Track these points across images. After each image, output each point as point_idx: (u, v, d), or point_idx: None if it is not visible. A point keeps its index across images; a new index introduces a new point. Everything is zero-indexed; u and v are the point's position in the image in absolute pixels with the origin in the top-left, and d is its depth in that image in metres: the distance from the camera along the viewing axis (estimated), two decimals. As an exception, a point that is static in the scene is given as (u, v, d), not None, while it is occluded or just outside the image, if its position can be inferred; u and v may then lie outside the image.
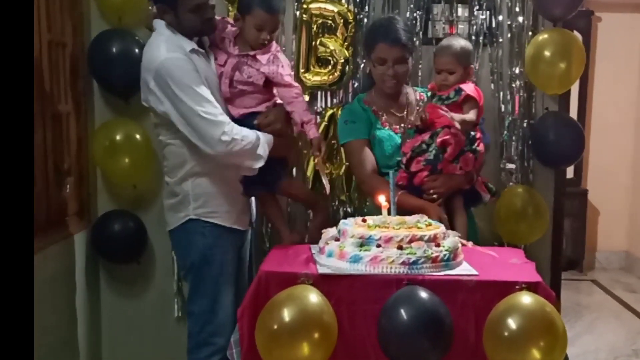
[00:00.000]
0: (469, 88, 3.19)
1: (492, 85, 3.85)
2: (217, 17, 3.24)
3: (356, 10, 3.75)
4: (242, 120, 3.12)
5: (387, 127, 3.31)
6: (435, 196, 3.17)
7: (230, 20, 3.30)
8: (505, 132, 3.86)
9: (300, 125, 3.19)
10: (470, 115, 3.17)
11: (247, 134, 3.01)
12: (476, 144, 3.21)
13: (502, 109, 3.86)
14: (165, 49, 2.99)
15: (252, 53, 3.14)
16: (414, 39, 3.52)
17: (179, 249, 3.34)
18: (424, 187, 3.19)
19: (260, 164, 3.08)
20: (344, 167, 3.77)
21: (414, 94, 3.43)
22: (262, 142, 3.06)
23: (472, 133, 3.20)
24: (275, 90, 3.23)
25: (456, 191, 3.24)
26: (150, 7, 3.43)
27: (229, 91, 3.16)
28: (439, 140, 3.13)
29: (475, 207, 3.42)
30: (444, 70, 3.21)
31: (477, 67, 3.81)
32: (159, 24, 3.10)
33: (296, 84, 3.23)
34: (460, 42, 3.26)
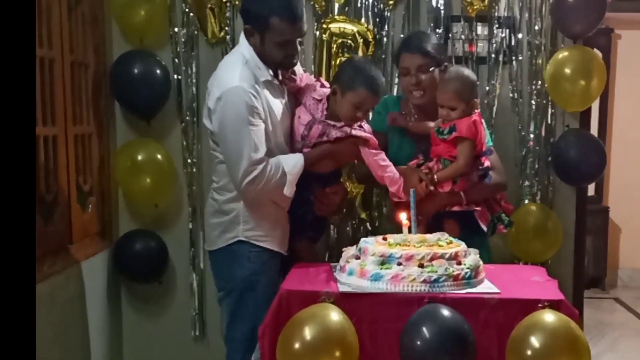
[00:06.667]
0: (463, 127, 3.08)
1: (512, 103, 3.85)
2: (313, 79, 3.28)
3: (376, 30, 3.77)
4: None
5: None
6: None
7: (325, 82, 3.29)
8: (525, 149, 3.85)
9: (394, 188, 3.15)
10: (448, 171, 3.11)
11: (273, 174, 2.99)
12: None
13: (522, 127, 3.86)
14: (239, 75, 2.98)
15: (339, 125, 3.11)
16: (443, 50, 3.44)
17: (221, 270, 3.25)
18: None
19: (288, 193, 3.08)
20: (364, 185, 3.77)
21: None
22: (289, 180, 3.04)
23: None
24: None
25: (445, 213, 3.15)
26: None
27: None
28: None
29: (476, 237, 3.16)
30: (446, 106, 3.12)
31: (497, 86, 3.82)
32: (244, 41, 3.09)
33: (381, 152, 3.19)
34: (461, 76, 3.14)
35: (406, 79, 3.23)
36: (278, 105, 3.12)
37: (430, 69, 3.20)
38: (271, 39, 3.00)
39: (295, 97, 3.25)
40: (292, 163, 3.05)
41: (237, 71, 3.00)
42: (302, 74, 3.29)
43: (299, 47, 3.10)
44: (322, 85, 3.23)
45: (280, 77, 3.16)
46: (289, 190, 3.05)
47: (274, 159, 3.01)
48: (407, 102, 3.35)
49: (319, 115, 3.14)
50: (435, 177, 3.09)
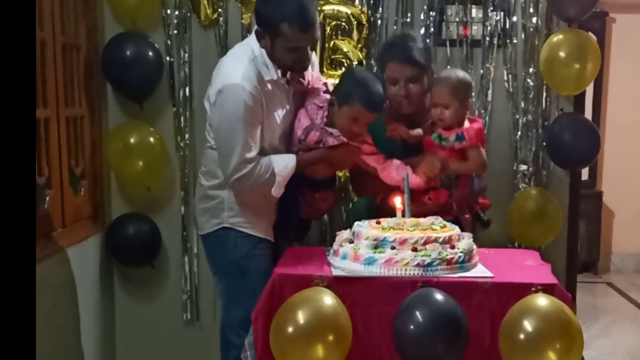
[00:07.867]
0: (472, 134, 3.08)
1: (506, 87, 3.83)
2: (321, 81, 3.22)
3: (370, 12, 3.74)
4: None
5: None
6: None
7: (331, 86, 3.19)
8: (519, 133, 3.84)
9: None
10: (463, 166, 3.11)
11: (262, 173, 2.98)
12: (455, 182, 3.13)
13: (516, 110, 3.84)
14: (241, 73, 2.94)
15: (337, 133, 3.08)
16: (430, 56, 3.33)
17: (212, 255, 3.29)
18: None
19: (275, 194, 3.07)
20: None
21: None
22: (277, 181, 3.02)
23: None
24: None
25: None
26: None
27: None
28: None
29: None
30: (440, 104, 3.07)
31: (491, 69, 3.81)
32: (253, 38, 3.03)
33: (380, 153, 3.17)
34: (457, 75, 3.12)
35: (394, 89, 3.15)
36: (280, 105, 3.09)
37: (421, 79, 3.14)
38: (281, 44, 2.95)
39: (303, 98, 3.21)
40: (283, 165, 3.02)
41: (241, 67, 2.96)
42: (312, 75, 3.22)
43: (310, 53, 3.04)
44: (327, 91, 3.16)
45: (288, 77, 3.11)
46: (276, 191, 3.04)
47: (265, 159, 2.99)
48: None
49: (318, 122, 3.11)
50: (449, 164, 3.07)
